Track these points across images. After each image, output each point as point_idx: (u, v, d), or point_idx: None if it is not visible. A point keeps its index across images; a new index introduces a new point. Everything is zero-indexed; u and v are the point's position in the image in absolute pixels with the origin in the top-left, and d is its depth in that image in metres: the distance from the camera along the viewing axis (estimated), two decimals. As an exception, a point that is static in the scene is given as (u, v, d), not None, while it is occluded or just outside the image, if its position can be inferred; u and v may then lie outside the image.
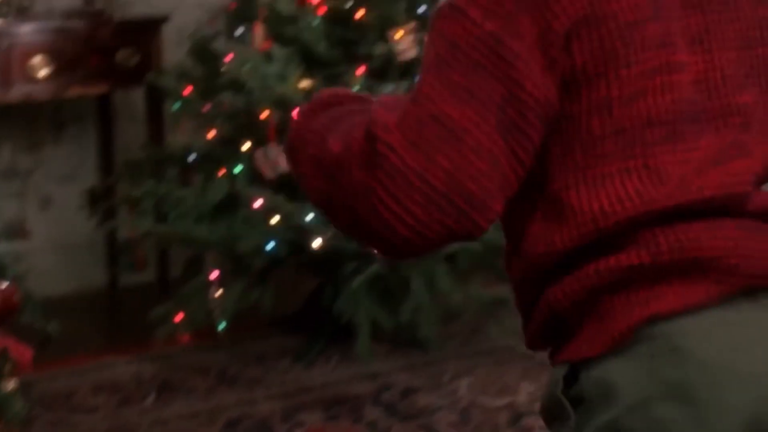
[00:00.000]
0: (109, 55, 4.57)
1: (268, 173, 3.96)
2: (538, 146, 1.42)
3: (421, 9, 4.27)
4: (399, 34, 4.06)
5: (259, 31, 4.14)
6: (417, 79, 1.44)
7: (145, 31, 4.71)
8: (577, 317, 1.45)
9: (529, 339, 1.55)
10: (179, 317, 4.01)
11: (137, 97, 4.94)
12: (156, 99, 4.68)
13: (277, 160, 3.92)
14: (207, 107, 4.23)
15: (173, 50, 4.87)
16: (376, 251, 1.48)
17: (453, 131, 1.38)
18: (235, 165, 4.11)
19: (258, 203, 3.96)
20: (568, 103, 1.43)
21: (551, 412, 1.49)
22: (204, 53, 4.48)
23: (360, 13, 4.17)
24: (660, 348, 1.39)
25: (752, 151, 1.48)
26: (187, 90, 4.26)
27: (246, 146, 4.07)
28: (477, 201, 1.40)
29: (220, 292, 3.98)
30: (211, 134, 4.26)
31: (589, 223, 1.42)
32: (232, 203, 4.09)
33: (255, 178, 4.06)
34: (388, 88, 3.99)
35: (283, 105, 3.99)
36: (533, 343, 1.54)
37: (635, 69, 1.42)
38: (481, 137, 1.38)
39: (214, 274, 3.99)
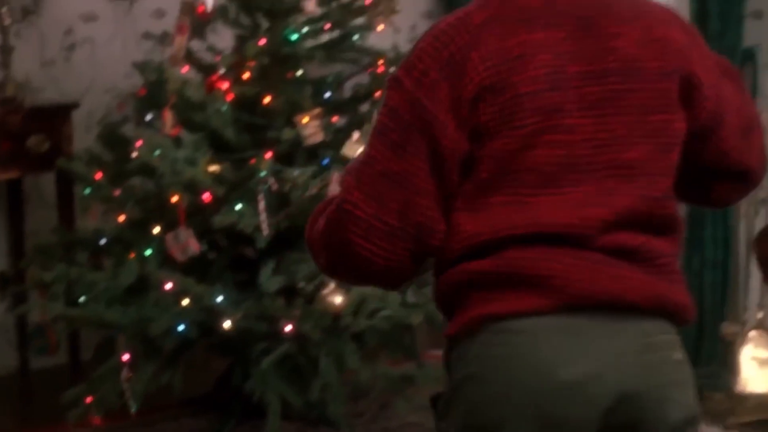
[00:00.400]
0: (20, 141, 4.61)
1: (179, 256, 4.03)
2: (459, 180, 1.87)
3: (327, 95, 4.42)
4: (305, 120, 4.15)
5: (168, 117, 4.21)
6: (368, 140, 1.94)
7: (56, 117, 4.76)
8: (455, 304, 1.90)
9: (441, 311, 1.98)
10: (91, 400, 4.04)
11: (47, 181, 4.98)
12: (66, 184, 4.72)
13: (187, 243, 4.00)
14: (117, 192, 4.29)
15: (83, 135, 4.95)
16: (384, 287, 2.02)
17: (398, 181, 1.86)
18: (146, 248, 4.16)
19: (168, 286, 4.02)
20: (477, 148, 1.85)
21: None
22: (113, 138, 4.57)
23: (267, 99, 4.26)
24: (489, 339, 1.85)
25: (615, 204, 1.85)
26: (98, 175, 4.32)
27: (156, 230, 4.13)
28: (425, 228, 1.87)
29: (131, 374, 4.03)
30: (122, 218, 4.32)
31: (465, 240, 1.86)
32: (142, 286, 4.14)
33: (165, 261, 4.12)
34: (295, 173, 4.09)
35: (192, 189, 4.09)
36: (445, 315, 1.97)
37: (525, 130, 1.83)
38: (418, 182, 1.86)
39: (126, 357, 4.03)
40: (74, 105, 4.87)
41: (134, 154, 4.29)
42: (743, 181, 2.07)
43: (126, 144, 4.45)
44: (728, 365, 4.69)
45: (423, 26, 6.00)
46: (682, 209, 4.64)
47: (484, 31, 1.85)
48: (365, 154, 1.91)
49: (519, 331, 1.84)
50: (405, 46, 5.68)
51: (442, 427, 1.95)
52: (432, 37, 1.89)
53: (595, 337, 1.84)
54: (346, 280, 2.16)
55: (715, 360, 4.98)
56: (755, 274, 4.72)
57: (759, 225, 4.70)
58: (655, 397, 1.85)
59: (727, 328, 4.73)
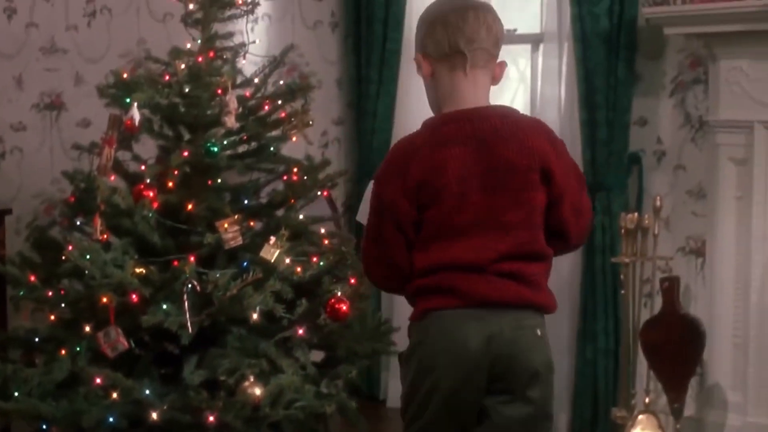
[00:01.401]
0: None
1: (109, 353, 4.18)
2: (414, 235, 2.98)
3: (245, 201, 4.62)
4: (225, 225, 4.33)
5: (98, 223, 4.37)
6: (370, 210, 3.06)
7: None
8: (415, 300, 3.02)
9: (410, 304, 3.06)
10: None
11: None
12: None
13: (117, 341, 4.18)
14: (50, 293, 4.43)
15: (12, 237, 5.14)
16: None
17: (383, 242, 3.02)
18: (77, 346, 4.31)
19: (98, 380, 4.18)
20: (421, 215, 2.95)
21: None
22: (44, 242, 4.72)
23: (190, 206, 4.44)
24: (430, 320, 2.96)
25: (499, 247, 2.93)
26: (32, 278, 4.46)
27: (87, 329, 4.28)
28: (401, 265, 3.02)
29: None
30: (52, 317, 4.47)
31: (418, 267, 2.98)
32: (73, 381, 4.29)
33: (95, 357, 4.27)
34: (217, 275, 4.27)
35: (120, 290, 4.26)
36: (411, 306, 3.06)
37: (446, 206, 2.92)
38: (393, 240, 2.99)
39: None
40: (7, 211, 5.05)
41: (64, 257, 4.41)
42: (565, 241, 3.10)
43: (56, 247, 4.59)
44: None
45: (333, 132, 6.35)
46: (575, 305, 5.00)
47: (420, 150, 2.95)
48: (367, 225, 3.08)
49: (444, 317, 2.95)
50: (318, 154, 6.04)
51: (404, 371, 3.05)
52: (392, 155, 3.03)
53: (487, 321, 2.93)
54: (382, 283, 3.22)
55: (608, 442, 5.28)
56: (642, 362, 5.02)
57: (644, 317, 5.04)
58: (522, 355, 2.95)
59: (618, 412, 4.99)
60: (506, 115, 2.99)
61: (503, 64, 3.07)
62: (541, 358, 2.99)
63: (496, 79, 3.05)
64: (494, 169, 2.91)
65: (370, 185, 3.09)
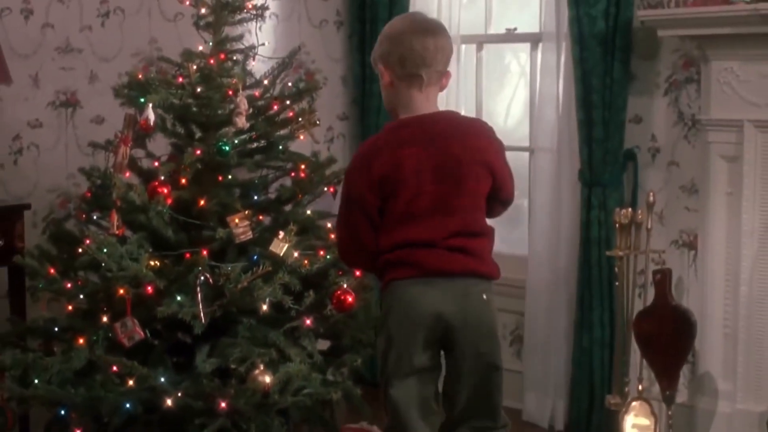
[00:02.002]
0: None
1: (126, 343, 4.34)
2: (379, 220, 3.52)
3: (255, 197, 4.78)
4: (236, 220, 4.48)
5: (114, 218, 4.53)
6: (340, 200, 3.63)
7: (10, 218, 5.07)
8: (383, 273, 3.57)
9: (379, 278, 3.62)
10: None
11: None
12: (18, 277, 5.03)
13: (133, 331, 4.35)
14: (68, 285, 4.59)
15: (29, 230, 5.30)
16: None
17: (353, 226, 3.59)
18: (94, 335, 4.48)
19: (115, 368, 4.34)
20: (385, 204, 3.50)
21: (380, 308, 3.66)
22: (61, 235, 4.88)
23: (202, 202, 4.60)
24: (395, 288, 3.54)
25: (448, 227, 3.50)
26: (51, 270, 4.62)
27: (104, 319, 4.45)
28: (368, 245, 3.58)
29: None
30: (70, 308, 4.62)
31: (383, 245, 3.54)
32: (91, 369, 4.45)
33: (111, 346, 4.43)
34: (228, 268, 4.45)
35: (136, 283, 4.43)
36: (380, 279, 3.63)
37: (404, 198, 3.50)
38: (361, 225, 3.55)
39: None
40: (26, 206, 5.20)
41: (81, 250, 4.60)
42: (504, 205, 3.76)
43: (72, 240, 4.76)
44: None
45: (338, 127, 6.54)
46: (572, 296, 5.16)
47: (381, 149, 3.54)
48: (339, 211, 3.64)
49: (406, 285, 3.52)
50: (323, 149, 6.24)
51: (380, 336, 3.60)
52: (359, 155, 3.60)
53: (440, 288, 3.51)
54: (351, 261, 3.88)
55: (603, 428, 5.45)
56: (636, 351, 5.21)
57: (638, 308, 5.21)
58: (469, 316, 3.53)
59: (612, 399, 5.18)
60: (452, 118, 3.65)
61: (449, 74, 3.63)
62: (485, 317, 3.56)
63: (443, 88, 3.64)
64: (443, 164, 3.50)
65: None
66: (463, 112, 6.32)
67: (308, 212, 4.82)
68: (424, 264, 3.50)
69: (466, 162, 3.53)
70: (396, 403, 3.57)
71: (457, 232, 3.52)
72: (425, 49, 3.52)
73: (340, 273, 4.66)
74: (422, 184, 3.50)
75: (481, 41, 6.36)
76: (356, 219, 3.55)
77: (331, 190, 4.90)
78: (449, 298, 3.51)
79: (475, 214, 3.58)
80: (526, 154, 6.08)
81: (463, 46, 6.29)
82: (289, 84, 4.97)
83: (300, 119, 4.76)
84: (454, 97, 6.17)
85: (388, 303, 3.56)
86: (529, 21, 6.15)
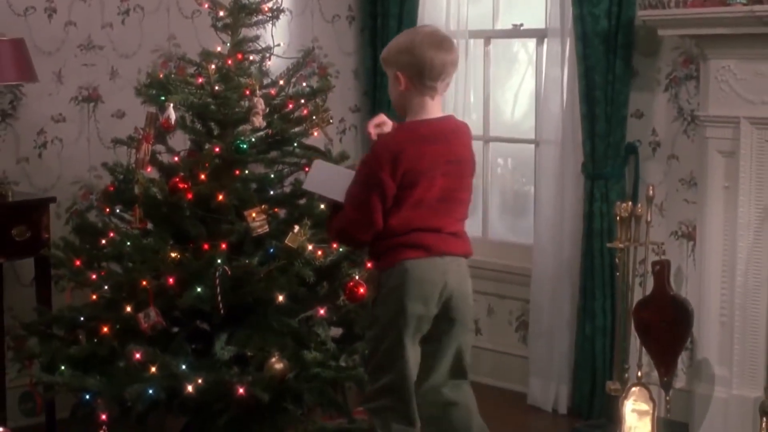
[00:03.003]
0: (4, 231, 5.10)
1: (148, 331, 4.54)
2: (391, 205, 3.88)
3: (271, 192, 4.94)
4: (253, 214, 4.66)
5: (137, 212, 4.74)
6: (352, 184, 3.96)
7: (36, 210, 5.25)
8: (385, 254, 3.95)
9: (373, 260, 4.06)
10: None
11: (22, 264, 5.48)
12: (44, 267, 5.23)
13: (156, 321, 4.54)
14: (93, 276, 4.78)
15: (53, 221, 5.49)
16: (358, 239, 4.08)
17: (366, 206, 3.89)
18: (117, 324, 4.67)
19: (137, 356, 4.52)
20: (400, 191, 3.87)
21: (373, 288, 4.07)
22: (85, 227, 5.07)
23: (220, 197, 4.76)
24: (408, 266, 3.91)
25: (452, 215, 3.97)
26: (77, 262, 4.82)
27: (128, 309, 4.63)
28: (376, 224, 3.90)
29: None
30: (94, 297, 4.82)
31: (391, 225, 3.91)
32: (114, 357, 4.64)
33: (133, 334, 4.61)
34: (246, 260, 4.63)
35: (157, 274, 4.62)
36: (373, 260, 4.08)
37: (420, 187, 3.89)
38: (374, 205, 3.88)
39: (104, 416, 4.55)
40: (52, 199, 5.39)
41: (104, 242, 4.81)
42: None
43: (95, 232, 4.96)
44: (613, 417, 5.27)
45: (350, 119, 6.74)
46: (575, 285, 5.33)
47: (404, 144, 3.89)
48: (353, 191, 3.92)
49: (419, 263, 3.91)
50: (336, 140, 6.44)
51: (375, 311, 4.00)
52: (383, 145, 3.92)
53: (444, 264, 3.96)
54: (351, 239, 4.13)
55: (604, 413, 5.64)
56: (635, 339, 5.40)
57: (638, 297, 5.38)
58: (463, 286, 4.03)
59: (612, 385, 5.36)
60: (454, 122, 4.08)
61: (449, 82, 4.05)
62: (470, 288, 4.10)
63: (444, 92, 4.06)
64: (450, 161, 3.94)
65: (316, 162, 4.15)
66: (471, 107, 6.56)
67: (322, 206, 4.97)
68: (433, 247, 3.93)
69: (465, 160, 4.05)
70: (406, 364, 3.95)
71: (457, 220, 4.03)
72: (443, 64, 3.91)
73: (353, 265, 4.84)
74: (434, 177, 3.90)
75: (488, 36, 6.54)
76: (373, 202, 3.88)
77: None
78: (450, 271, 3.98)
79: (467, 205, 4.10)
80: (532, 147, 6.28)
81: (471, 41, 6.47)
82: (303, 84, 5.13)
83: (314, 117, 4.91)
84: (462, 92, 6.36)
85: (399, 278, 3.92)
86: (535, 17, 6.32)
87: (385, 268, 3.98)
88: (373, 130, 4.01)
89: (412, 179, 3.88)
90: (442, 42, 3.95)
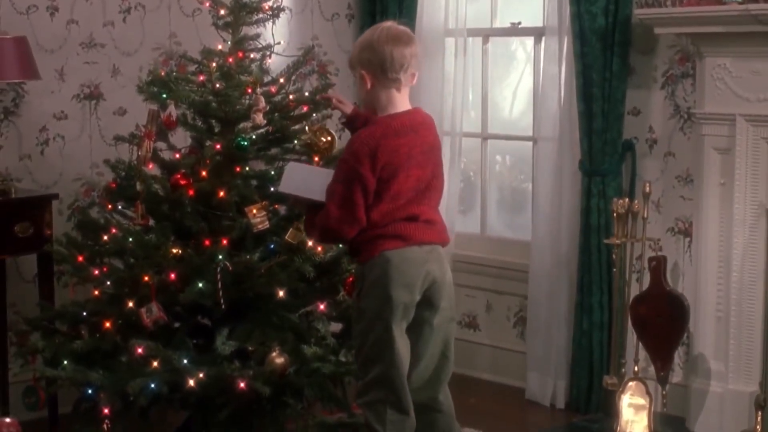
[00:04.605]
0: (7, 227, 5.13)
1: (150, 326, 4.58)
2: (373, 200, 3.98)
3: (272, 189, 4.91)
4: (254, 210, 4.70)
5: (139, 208, 4.78)
6: (333, 182, 4.03)
7: (39, 207, 5.29)
8: (366, 248, 4.05)
9: (353, 254, 4.17)
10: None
11: (24, 260, 5.52)
12: (46, 264, 5.27)
13: (158, 316, 4.59)
14: (95, 272, 4.82)
15: (55, 217, 5.52)
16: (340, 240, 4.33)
17: (350, 202, 3.99)
18: (119, 319, 4.70)
19: (140, 351, 4.56)
20: (379, 185, 3.99)
21: (357, 282, 4.18)
22: (86, 223, 5.11)
23: (221, 193, 4.80)
24: (384, 258, 4.02)
25: (428, 203, 4.12)
26: (80, 258, 4.86)
27: (130, 304, 4.67)
28: (360, 220, 4.01)
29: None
30: (97, 293, 4.85)
31: (373, 219, 4.02)
32: (117, 351, 4.68)
33: (135, 329, 4.65)
34: (247, 256, 4.68)
35: (159, 270, 4.67)
36: (353, 255, 4.19)
37: (398, 179, 4.01)
38: (358, 201, 3.98)
39: (106, 410, 4.58)
40: (54, 196, 5.43)
41: (107, 238, 4.84)
42: None
43: (97, 228, 4.99)
44: (611, 411, 5.33)
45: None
46: (573, 281, 5.37)
47: (380, 139, 3.99)
48: (335, 189, 4.00)
49: (400, 252, 4.01)
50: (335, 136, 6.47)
51: (361, 304, 4.06)
52: (359, 142, 4.02)
53: (424, 252, 4.07)
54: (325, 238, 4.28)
55: (601, 407, 5.68)
56: (632, 334, 5.46)
57: (635, 293, 5.45)
58: (445, 274, 4.14)
59: (609, 380, 5.41)
60: (422, 113, 4.19)
61: (416, 74, 4.14)
62: (450, 276, 4.21)
63: (412, 85, 4.15)
64: (423, 150, 4.09)
65: (291, 164, 4.31)
66: (470, 104, 6.61)
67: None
68: (412, 236, 4.05)
69: (436, 148, 4.21)
70: (396, 354, 4.03)
71: (432, 207, 4.17)
72: (402, 56, 4.05)
73: (352, 261, 4.88)
74: (410, 168, 4.04)
75: (486, 34, 6.59)
76: (357, 198, 3.99)
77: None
78: (431, 260, 4.10)
79: (439, 193, 4.22)
80: (530, 144, 6.34)
81: (470, 39, 6.51)
82: (302, 84, 5.16)
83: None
84: (461, 90, 6.41)
85: (382, 269, 4.03)
86: (533, 15, 6.37)
87: (366, 260, 4.08)
88: (336, 98, 4.44)
89: (391, 172, 4.00)
90: (399, 35, 4.08)
